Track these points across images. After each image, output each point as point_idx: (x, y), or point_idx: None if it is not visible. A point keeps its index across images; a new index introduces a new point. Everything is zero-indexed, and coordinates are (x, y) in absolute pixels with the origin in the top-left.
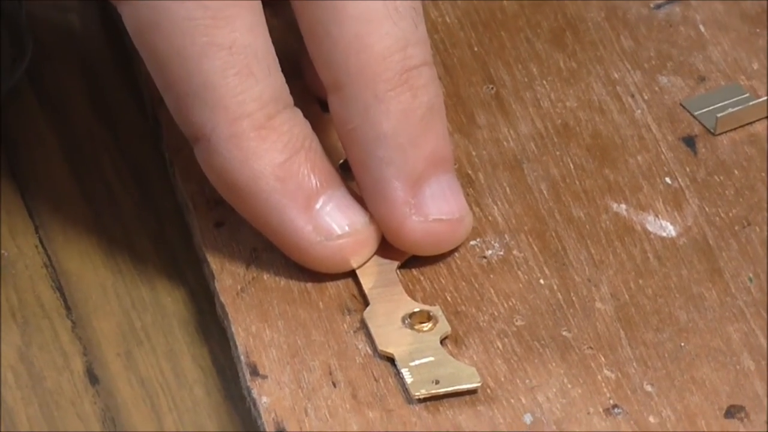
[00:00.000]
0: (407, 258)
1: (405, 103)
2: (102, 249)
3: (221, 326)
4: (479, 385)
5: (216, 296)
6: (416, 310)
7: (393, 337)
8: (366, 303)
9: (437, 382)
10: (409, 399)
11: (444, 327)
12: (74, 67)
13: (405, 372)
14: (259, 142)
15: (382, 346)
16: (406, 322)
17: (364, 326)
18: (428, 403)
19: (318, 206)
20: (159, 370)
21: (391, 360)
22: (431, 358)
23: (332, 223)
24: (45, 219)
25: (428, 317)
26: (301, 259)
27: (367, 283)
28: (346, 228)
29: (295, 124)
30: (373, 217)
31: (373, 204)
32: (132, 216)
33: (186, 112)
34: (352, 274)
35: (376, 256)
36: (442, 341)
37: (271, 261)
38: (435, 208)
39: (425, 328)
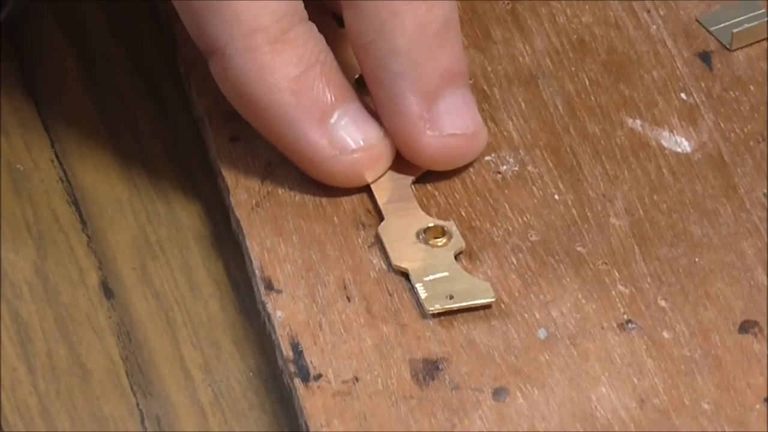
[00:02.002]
0: (422, 173)
1: (420, 17)
2: (117, 163)
3: (236, 241)
4: (493, 300)
5: (231, 211)
6: (430, 225)
7: (407, 252)
8: (380, 218)
9: (451, 297)
10: (423, 314)
11: (458, 242)
12: None
13: (419, 287)
14: (274, 56)
15: (396, 261)
16: (421, 237)
17: (378, 241)
18: (442, 318)
19: (333, 120)
20: (174, 284)
21: (405, 275)
22: (445, 273)
23: (347, 137)
24: (61, 133)
25: (442, 232)
26: (316, 173)
27: (381, 197)
28: (361, 142)
29: (309, 38)
30: (388, 131)
31: (387, 118)
32: (148, 130)
33: (201, 25)
34: (366, 189)
35: (390, 171)
36: (457, 256)
37: (285, 176)
38: (450, 123)
39: (439, 243)
